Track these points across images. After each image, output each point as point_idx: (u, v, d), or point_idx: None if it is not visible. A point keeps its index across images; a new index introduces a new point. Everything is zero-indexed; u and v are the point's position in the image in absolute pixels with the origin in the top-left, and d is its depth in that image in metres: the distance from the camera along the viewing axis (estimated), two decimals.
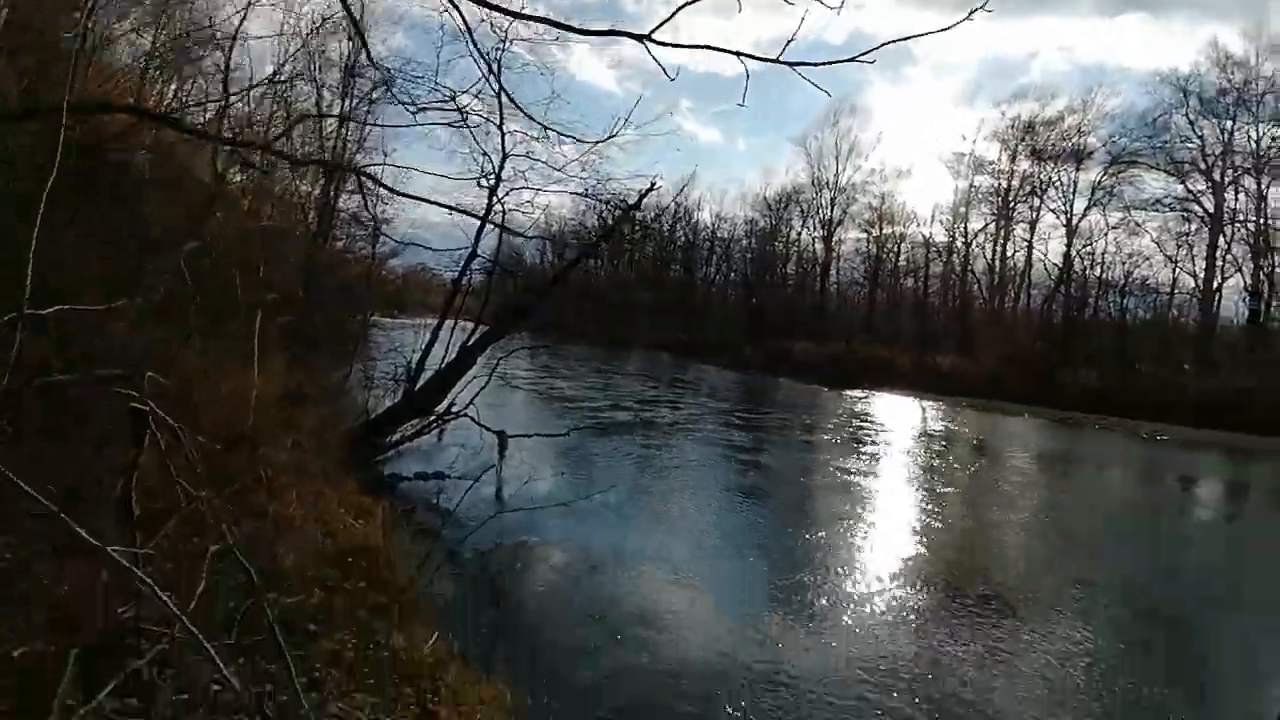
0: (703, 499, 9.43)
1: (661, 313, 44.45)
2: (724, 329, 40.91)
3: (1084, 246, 34.17)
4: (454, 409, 9.81)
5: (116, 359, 4.09)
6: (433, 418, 9.96)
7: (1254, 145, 29.69)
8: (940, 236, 39.93)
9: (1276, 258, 28.58)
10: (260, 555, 3.55)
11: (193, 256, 5.59)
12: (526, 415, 14.41)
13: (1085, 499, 11.74)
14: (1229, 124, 30.00)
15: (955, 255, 38.93)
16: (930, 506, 9.86)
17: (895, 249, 41.05)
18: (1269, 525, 11.32)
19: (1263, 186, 29.39)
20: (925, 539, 8.17)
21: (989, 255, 37.94)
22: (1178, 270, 31.72)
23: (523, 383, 19.46)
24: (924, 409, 23.47)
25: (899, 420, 19.89)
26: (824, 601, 5.99)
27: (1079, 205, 34.71)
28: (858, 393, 26.37)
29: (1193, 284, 31.13)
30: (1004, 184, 37.35)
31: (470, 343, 10.26)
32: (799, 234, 44.75)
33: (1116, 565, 7.85)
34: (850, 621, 5.61)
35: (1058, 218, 35.55)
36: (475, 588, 5.74)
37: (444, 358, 10.18)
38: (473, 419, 9.71)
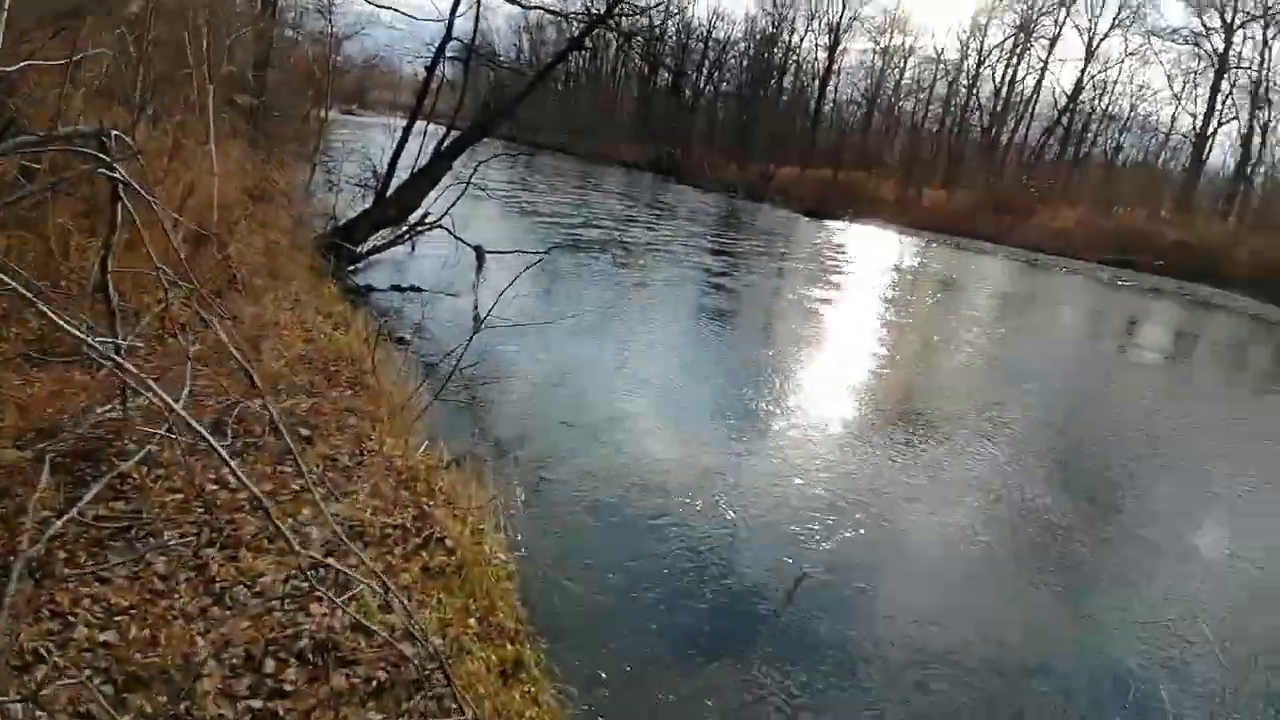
0: (670, 319, 9.77)
1: (645, 124, 41.75)
2: (710, 148, 38.90)
3: (1099, 72, 33.33)
4: (428, 219, 9.38)
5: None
6: (406, 228, 9.54)
7: None
8: (952, 54, 37.39)
9: (1271, 111, 28.32)
10: (243, 358, 3.51)
11: (134, 24, 4.84)
12: (503, 230, 13.95)
13: (1031, 337, 12.43)
14: None
15: (964, 75, 36.71)
16: (881, 335, 10.52)
17: (901, 64, 38.42)
18: (1200, 372, 12.08)
19: (1268, 37, 28.49)
20: (871, 364, 8.80)
21: (998, 77, 35.97)
22: (1179, 109, 31.73)
23: (498, 195, 18.61)
24: (900, 242, 23.53)
25: (872, 253, 19.99)
26: (770, 409, 6.60)
27: (1102, 25, 32.93)
28: (838, 223, 26.09)
29: (1189, 125, 30.94)
30: None
31: (443, 147, 9.56)
32: (801, 39, 41.25)
33: (1043, 395, 8.55)
34: (790, 429, 6.19)
35: (1080, 35, 33.88)
36: (457, 398, 5.89)
37: (415, 163, 9.52)
38: (449, 231, 9.30)
